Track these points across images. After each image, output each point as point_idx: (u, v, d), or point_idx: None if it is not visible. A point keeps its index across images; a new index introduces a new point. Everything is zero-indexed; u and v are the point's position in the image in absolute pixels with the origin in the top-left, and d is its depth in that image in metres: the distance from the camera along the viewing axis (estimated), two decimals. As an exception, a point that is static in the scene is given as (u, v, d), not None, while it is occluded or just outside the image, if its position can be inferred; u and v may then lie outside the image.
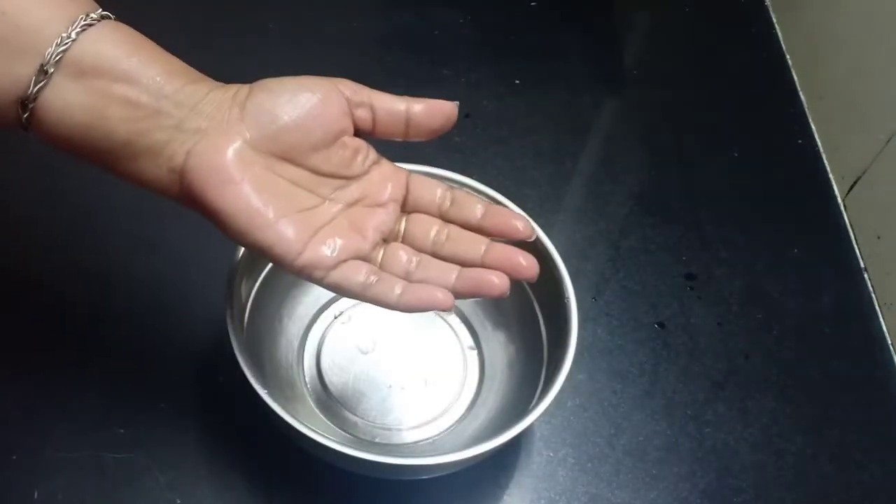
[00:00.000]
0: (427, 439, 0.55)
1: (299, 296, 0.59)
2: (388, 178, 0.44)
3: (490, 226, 0.44)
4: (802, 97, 0.82)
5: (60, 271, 0.61)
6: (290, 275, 0.41)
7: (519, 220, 0.44)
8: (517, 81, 0.79)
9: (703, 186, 0.74)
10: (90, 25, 0.39)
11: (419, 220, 0.44)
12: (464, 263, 0.43)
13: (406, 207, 0.45)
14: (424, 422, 0.56)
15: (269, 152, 0.40)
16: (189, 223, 0.64)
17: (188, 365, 0.58)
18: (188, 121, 0.40)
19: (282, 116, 0.40)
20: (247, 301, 0.53)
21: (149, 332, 0.60)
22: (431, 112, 0.43)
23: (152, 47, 0.41)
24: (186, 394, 0.57)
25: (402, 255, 0.43)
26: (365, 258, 0.42)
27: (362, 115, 0.43)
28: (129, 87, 0.39)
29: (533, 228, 0.44)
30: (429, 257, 0.44)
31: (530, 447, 0.58)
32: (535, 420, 0.47)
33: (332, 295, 0.60)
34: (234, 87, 0.41)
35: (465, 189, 0.52)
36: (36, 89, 0.38)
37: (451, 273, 0.43)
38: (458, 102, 0.44)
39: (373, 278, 0.41)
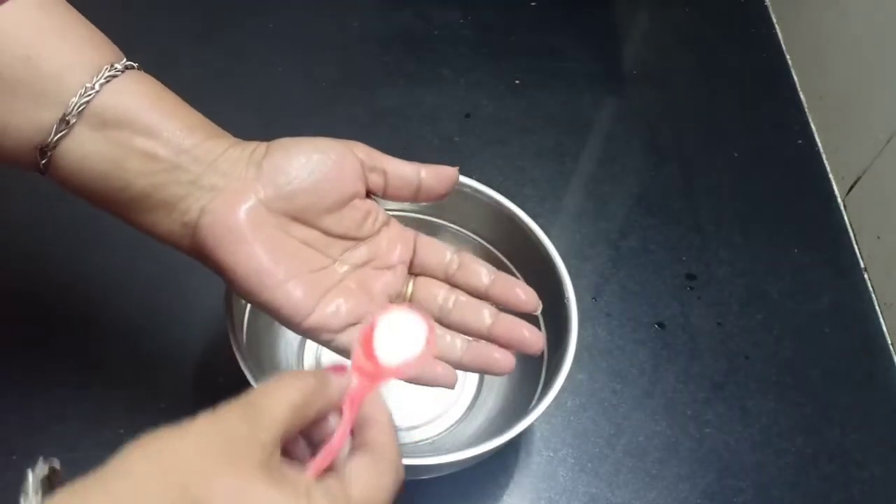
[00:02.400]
0: (427, 439, 0.55)
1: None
2: (397, 239, 0.44)
3: (496, 294, 0.44)
4: (802, 97, 0.82)
5: (61, 272, 0.61)
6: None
7: (524, 291, 0.44)
8: (517, 81, 0.79)
9: (703, 187, 0.74)
10: (114, 76, 0.39)
11: (426, 283, 0.45)
12: (469, 333, 0.44)
13: (413, 269, 0.45)
14: (424, 422, 0.56)
15: (283, 212, 0.40)
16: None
17: (188, 365, 0.58)
18: (205, 177, 0.40)
19: (297, 178, 0.40)
20: (247, 301, 0.52)
21: (149, 332, 0.60)
22: (439, 177, 0.44)
23: (174, 100, 0.41)
24: (186, 394, 0.57)
25: None
26: None
27: (375, 179, 0.43)
28: (150, 141, 0.39)
29: (538, 301, 0.44)
30: (436, 325, 0.44)
31: (530, 447, 0.58)
32: (535, 420, 0.47)
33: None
34: (252, 145, 0.41)
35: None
36: (56, 137, 0.38)
37: (457, 345, 0.43)
38: (458, 167, 0.44)
39: None
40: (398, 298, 0.44)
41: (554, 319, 0.53)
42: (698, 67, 0.84)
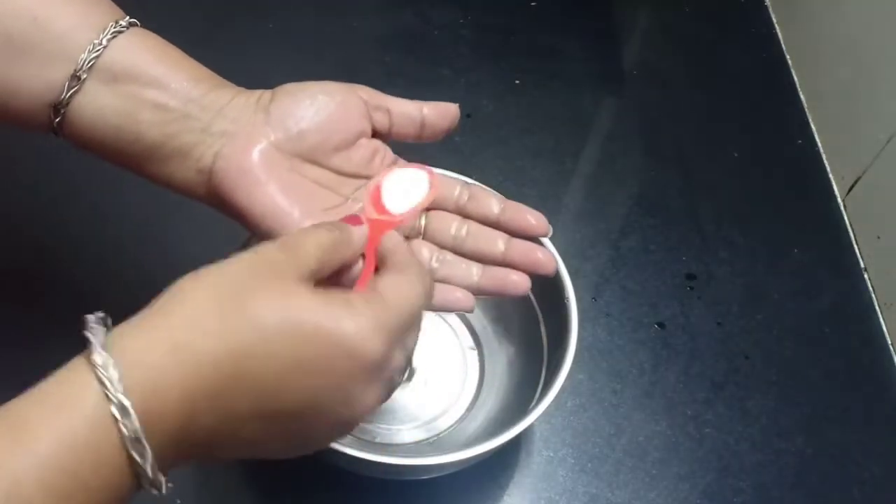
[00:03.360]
0: (427, 439, 0.55)
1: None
2: None
3: (507, 221, 0.45)
4: (802, 97, 0.82)
5: (62, 271, 0.61)
6: None
7: (534, 216, 0.45)
8: (517, 81, 0.79)
9: (704, 187, 0.74)
10: (120, 32, 0.40)
11: (438, 216, 0.45)
12: (484, 259, 0.45)
13: None
14: (424, 422, 0.56)
15: (294, 153, 0.42)
16: (191, 222, 0.64)
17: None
18: (215, 124, 0.41)
19: (304, 119, 0.42)
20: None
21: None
22: (441, 113, 0.45)
23: (178, 53, 0.42)
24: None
25: (425, 252, 0.44)
26: None
27: (380, 118, 0.44)
28: (159, 92, 0.40)
29: (548, 225, 0.45)
30: (451, 255, 0.45)
31: (530, 447, 0.58)
32: (535, 420, 0.47)
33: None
34: (257, 93, 0.43)
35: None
36: (69, 94, 0.39)
37: (473, 271, 0.44)
38: (458, 104, 0.45)
39: None
40: (412, 232, 0.45)
41: (554, 319, 0.53)
42: (698, 67, 0.84)
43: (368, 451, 0.46)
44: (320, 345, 0.33)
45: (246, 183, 0.40)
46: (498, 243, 0.45)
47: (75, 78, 0.39)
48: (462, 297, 0.44)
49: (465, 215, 0.46)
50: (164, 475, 0.31)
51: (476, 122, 0.76)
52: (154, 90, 0.40)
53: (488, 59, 0.81)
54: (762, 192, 0.75)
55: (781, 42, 0.86)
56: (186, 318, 0.32)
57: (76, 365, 0.31)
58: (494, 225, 0.45)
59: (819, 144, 0.79)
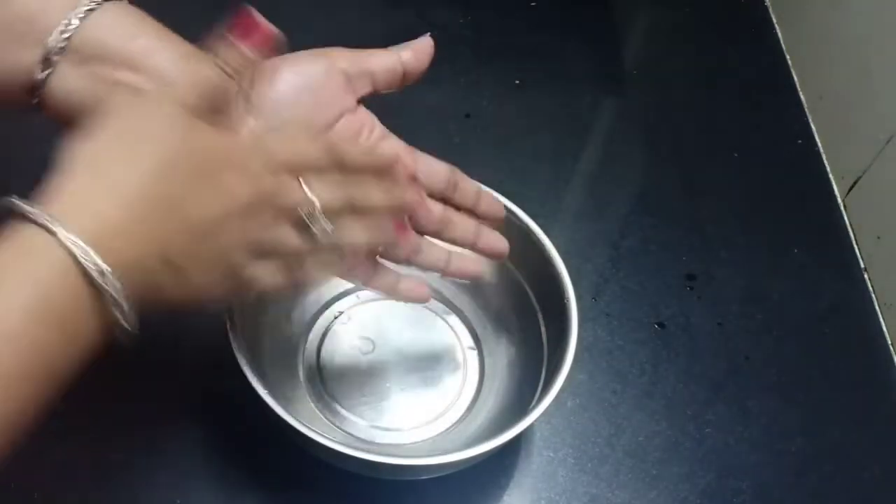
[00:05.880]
0: (427, 439, 0.55)
1: (299, 296, 0.59)
2: (397, 151, 0.46)
3: (482, 212, 0.49)
4: (802, 97, 0.82)
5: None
6: None
7: (499, 207, 0.51)
8: (517, 81, 0.79)
9: (703, 186, 0.74)
10: (92, 10, 0.39)
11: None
12: (458, 245, 0.48)
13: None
14: (424, 422, 0.56)
15: None
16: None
17: (188, 365, 0.58)
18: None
19: (286, 109, 0.42)
20: (247, 301, 0.52)
21: (148, 332, 0.59)
22: (418, 55, 0.45)
23: (156, 30, 0.41)
24: (186, 394, 0.57)
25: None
26: None
27: (362, 86, 0.44)
28: (132, 74, 0.39)
29: (504, 205, 0.51)
30: (428, 241, 0.47)
31: (530, 447, 0.58)
32: (535, 420, 0.47)
33: (332, 295, 0.60)
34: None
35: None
36: (43, 76, 0.38)
37: (444, 258, 0.48)
38: (429, 34, 0.46)
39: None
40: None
41: (554, 319, 0.53)
42: (698, 68, 0.84)
43: (368, 451, 0.46)
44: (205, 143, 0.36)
45: None
46: (471, 232, 0.48)
47: (47, 60, 0.38)
48: (417, 290, 0.48)
49: (446, 200, 0.48)
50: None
51: (476, 122, 0.76)
52: (126, 72, 0.39)
53: (488, 59, 0.81)
54: (762, 192, 0.75)
55: (781, 42, 0.86)
56: (99, 171, 0.33)
57: (17, 231, 0.31)
58: (469, 212, 0.49)
59: (819, 144, 0.79)
